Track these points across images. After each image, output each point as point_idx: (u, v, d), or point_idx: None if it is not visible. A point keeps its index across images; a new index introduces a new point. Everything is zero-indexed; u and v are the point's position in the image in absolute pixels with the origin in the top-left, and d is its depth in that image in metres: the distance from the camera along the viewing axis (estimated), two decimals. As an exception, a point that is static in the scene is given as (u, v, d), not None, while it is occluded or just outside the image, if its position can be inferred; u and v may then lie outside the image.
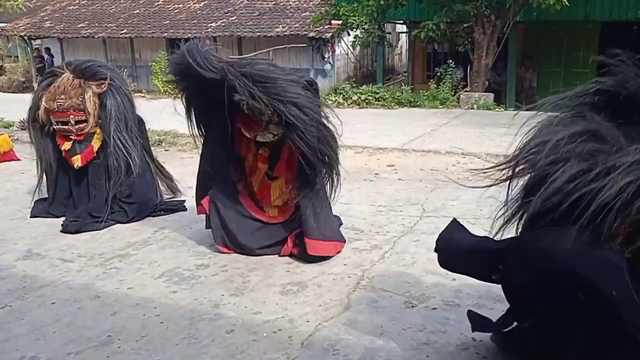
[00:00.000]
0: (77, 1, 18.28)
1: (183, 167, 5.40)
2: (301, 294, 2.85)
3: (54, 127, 4.08)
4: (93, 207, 4.02)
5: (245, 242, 3.34)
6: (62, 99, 3.96)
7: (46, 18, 17.14)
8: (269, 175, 3.43)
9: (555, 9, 8.78)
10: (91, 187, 4.13)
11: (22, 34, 16.31)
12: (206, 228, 3.57)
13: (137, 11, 16.65)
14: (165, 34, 14.98)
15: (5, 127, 8.02)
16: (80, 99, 3.98)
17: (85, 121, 4.02)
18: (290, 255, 3.33)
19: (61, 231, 3.85)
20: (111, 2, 17.62)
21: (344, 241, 3.46)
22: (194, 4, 16.47)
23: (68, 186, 4.23)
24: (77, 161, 4.07)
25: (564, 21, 10.49)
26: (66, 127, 4.02)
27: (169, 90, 12.38)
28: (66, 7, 17.99)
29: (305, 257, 3.23)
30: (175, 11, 16.20)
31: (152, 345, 2.40)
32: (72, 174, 4.19)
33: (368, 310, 2.66)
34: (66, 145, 4.08)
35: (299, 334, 2.46)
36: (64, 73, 4.05)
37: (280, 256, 3.33)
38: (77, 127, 4.02)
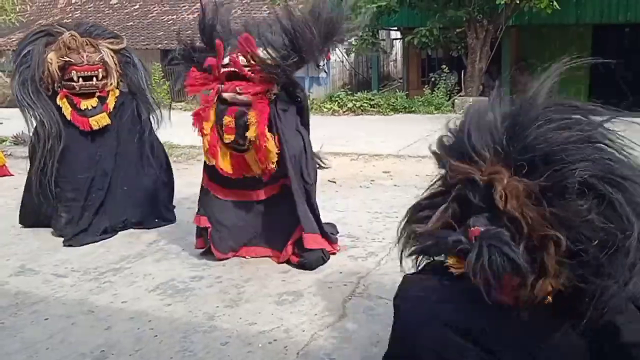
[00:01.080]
0: (71, 14, 18.32)
1: (177, 177, 5.37)
2: (297, 304, 2.83)
3: (76, 83, 3.86)
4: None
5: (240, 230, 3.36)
6: (87, 52, 3.84)
7: (40, 32, 17.17)
8: (237, 149, 3.20)
9: (546, 13, 8.84)
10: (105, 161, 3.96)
11: (14, 48, 16.31)
12: (195, 248, 3.52)
13: (131, 23, 16.69)
14: (160, 45, 15.00)
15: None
16: (99, 54, 3.90)
17: (107, 77, 3.97)
18: (287, 262, 3.31)
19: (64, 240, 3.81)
20: (105, 15, 17.67)
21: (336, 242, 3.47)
22: (187, 14, 16.52)
23: (74, 172, 3.94)
24: (103, 119, 3.92)
25: (556, 24, 10.55)
26: (92, 82, 3.89)
27: (164, 103, 12.39)
28: (59, 20, 18.02)
29: (304, 265, 3.22)
30: (169, 22, 16.25)
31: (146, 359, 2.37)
32: (80, 151, 3.95)
33: (364, 319, 2.63)
34: (88, 104, 3.89)
35: (295, 344, 2.44)
36: (61, 32, 3.90)
37: (278, 263, 3.32)
38: (102, 82, 3.95)
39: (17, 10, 15.59)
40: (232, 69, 3.09)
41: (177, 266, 3.39)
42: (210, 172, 3.34)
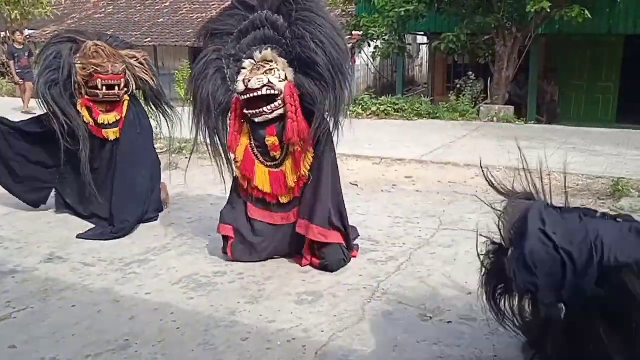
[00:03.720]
0: (103, 9, 18.70)
1: (203, 175, 5.46)
2: (316, 304, 2.87)
3: (100, 92, 3.97)
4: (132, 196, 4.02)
5: (266, 247, 3.39)
6: (112, 61, 3.94)
7: (73, 26, 17.50)
8: (274, 165, 3.31)
9: (577, 22, 8.71)
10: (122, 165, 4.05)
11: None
12: (223, 252, 3.50)
13: (161, 20, 16.96)
14: (188, 43, 15.20)
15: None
16: (122, 65, 4.03)
17: (127, 86, 4.10)
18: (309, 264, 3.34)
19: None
20: (136, 11, 17.99)
21: (343, 233, 3.34)
22: (216, 13, 16.73)
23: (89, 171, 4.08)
24: (115, 134, 4.08)
25: (587, 34, 10.39)
26: (114, 90, 4.00)
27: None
28: (92, 15, 18.41)
29: (325, 267, 3.25)
30: (199, 20, 16.45)
31: (168, 350, 2.43)
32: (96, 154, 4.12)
33: (382, 322, 2.66)
34: (106, 119, 4.04)
35: (313, 343, 2.48)
36: (84, 40, 4.02)
37: (302, 265, 3.35)
38: (123, 91, 4.07)
39: (52, 3, 15.98)
40: (253, 94, 3.14)
41: (200, 261, 3.46)
42: (244, 191, 3.41)
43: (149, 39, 15.82)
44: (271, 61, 3.19)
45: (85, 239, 3.83)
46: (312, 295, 2.96)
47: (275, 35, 3.22)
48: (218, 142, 3.41)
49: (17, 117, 9.37)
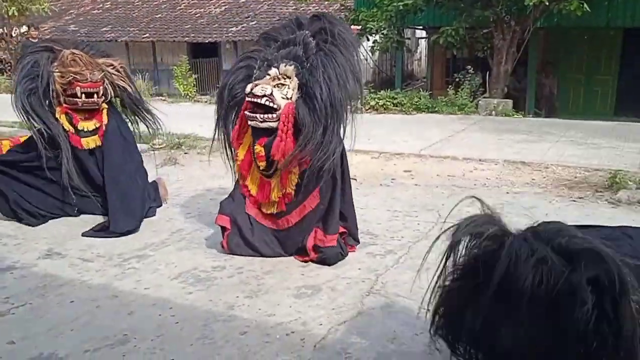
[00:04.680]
0: (101, 5, 18.64)
1: (202, 170, 5.47)
2: (315, 297, 2.87)
3: (79, 99, 3.97)
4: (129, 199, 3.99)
5: (259, 247, 3.38)
6: (90, 69, 3.96)
7: (70, 22, 17.51)
8: (265, 174, 3.34)
9: (576, 15, 8.69)
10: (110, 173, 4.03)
11: (47, 37, 16.66)
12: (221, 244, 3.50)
13: (159, 15, 16.91)
14: (187, 38, 15.19)
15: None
16: (100, 72, 4.03)
17: (105, 94, 4.10)
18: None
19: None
20: (134, 7, 17.93)
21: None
22: (215, 8, 16.68)
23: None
24: (93, 142, 4.08)
25: (585, 27, 10.37)
26: (93, 98, 4.01)
27: (190, 94, 12.58)
28: (90, 11, 18.36)
29: (323, 260, 3.26)
30: (197, 15, 16.42)
31: (167, 345, 2.43)
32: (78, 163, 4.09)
33: (381, 315, 2.67)
34: (85, 125, 4.04)
35: (312, 336, 2.48)
36: (60, 49, 4.03)
37: (301, 261, 3.35)
38: (102, 99, 4.07)
39: (50, -1, 15.91)
40: (253, 99, 3.15)
41: (199, 255, 3.46)
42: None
43: (147, 35, 15.79)
44: (289, 77, 3.20)
45: (89, 237, 3.82)
46: (311, 289, 2.96)
47: (302, 56, 3.24)
48: (224, 131, 3.49)
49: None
